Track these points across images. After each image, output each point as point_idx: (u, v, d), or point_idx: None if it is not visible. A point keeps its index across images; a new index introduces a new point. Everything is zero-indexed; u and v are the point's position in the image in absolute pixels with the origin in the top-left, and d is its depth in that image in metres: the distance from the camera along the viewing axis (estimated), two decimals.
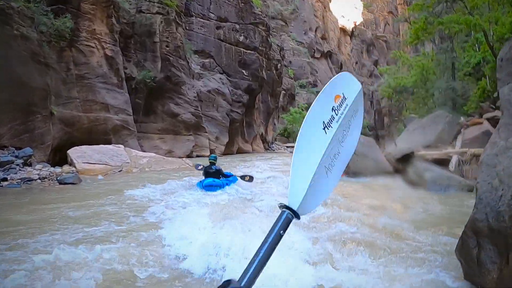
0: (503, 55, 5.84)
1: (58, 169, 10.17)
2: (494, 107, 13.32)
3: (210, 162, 7.89)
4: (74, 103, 14.02)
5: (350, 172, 9.60)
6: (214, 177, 7.54)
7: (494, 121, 11.63)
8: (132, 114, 16.88)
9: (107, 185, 8.60)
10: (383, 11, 73.35)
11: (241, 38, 27.17)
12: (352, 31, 71.23)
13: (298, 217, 0.80)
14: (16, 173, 9.22)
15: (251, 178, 7.98)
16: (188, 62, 22.62)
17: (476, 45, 18.21)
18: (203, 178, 7.59)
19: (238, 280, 0.68)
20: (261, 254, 0.72)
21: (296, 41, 51.45)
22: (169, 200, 6.47)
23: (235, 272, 3.04)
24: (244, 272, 0.70)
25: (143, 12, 19.30)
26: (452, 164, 9.61)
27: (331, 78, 0.96)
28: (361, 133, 1.05)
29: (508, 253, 2.36)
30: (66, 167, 10.37)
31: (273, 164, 15.71)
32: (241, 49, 27.20)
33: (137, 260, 3.43)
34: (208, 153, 19.11)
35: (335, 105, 0.91)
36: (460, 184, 8.04)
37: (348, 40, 71.28)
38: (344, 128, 0.92)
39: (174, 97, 20.79)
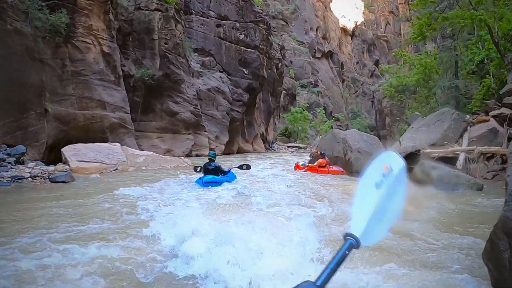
0: None
1: (51, 168, 9.85)
2: (499, 104, 13.01)
3: (209, 159, 7.94)
4: (69, 100, 13.65)
5: (354, 170, 9.28)
6: (213, 174, 7.58)
7: (500, 119, 11.32)
8: (129, 112, 16.49)
9: (100, 183, 8.31)
10: (384, 11, 73.14)
11: (242, 37, 26.86)
12: (353, 31, 71.08)
13: (359, 243, 0.94)
14: (7, 171, 8.90)
15: (248, 167, 8.18)
16: (187, 60, 22.27)
17: (480, 42, 17.87)
18: (203, 175, 7.61)
19: (314, 281, 0.81)
20: (332, 265, 0.87)
21: (297, 41, 51.17)
22: (163, 198, 6.24)
23: (235, 271, 2.82)
24: (319, 275, 0.84)
25: (142, 9, 18.99)
26: (460, 162, 9.30)
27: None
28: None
29: None
30: (59, 166, 10.05)
31: (274, 163, 15.40)
32: (242, 47, 26.90)
33: (126, 259, 3.25)
34: (207, 153, 18.78)
35: (384, 172, 1.09)
36: (469, 182, 7.75)
37: (349, 40, 71.08)
38: (391, 191, 1.07)
39: (173, 95, 20.40)
